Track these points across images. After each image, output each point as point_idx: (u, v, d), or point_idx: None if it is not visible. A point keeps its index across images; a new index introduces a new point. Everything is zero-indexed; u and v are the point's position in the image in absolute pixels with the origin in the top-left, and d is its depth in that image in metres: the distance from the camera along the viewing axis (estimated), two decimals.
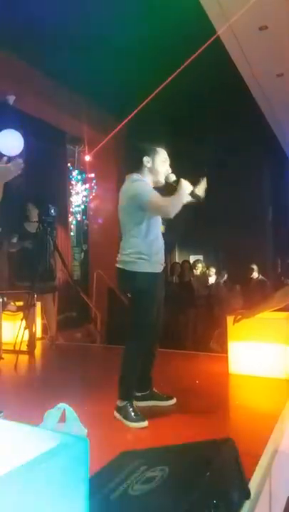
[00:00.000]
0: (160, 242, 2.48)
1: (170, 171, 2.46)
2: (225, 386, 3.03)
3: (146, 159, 2.43)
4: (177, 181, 2.39)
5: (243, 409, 2.57)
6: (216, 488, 1.32)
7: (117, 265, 2.44)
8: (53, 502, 0.87)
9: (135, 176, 2.43)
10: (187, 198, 2.36)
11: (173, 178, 2.43)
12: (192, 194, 2.38)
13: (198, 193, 2.39)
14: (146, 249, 2.38)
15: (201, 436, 1.85)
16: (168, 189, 2.41)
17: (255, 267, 7.18)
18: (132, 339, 2.40)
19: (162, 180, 2.46)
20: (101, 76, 5.26)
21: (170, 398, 2.57)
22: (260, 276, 7.19)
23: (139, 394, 2.53)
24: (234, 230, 8.51)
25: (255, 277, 7.13)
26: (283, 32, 4.91)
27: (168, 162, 2.48)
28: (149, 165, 2.44)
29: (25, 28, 4.47)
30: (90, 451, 0.95)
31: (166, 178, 2.44)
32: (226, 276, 7.14)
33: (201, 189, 2.42)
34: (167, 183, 2.43)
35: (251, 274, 7.08)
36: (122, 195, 2.44)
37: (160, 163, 2.44)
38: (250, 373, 3.03)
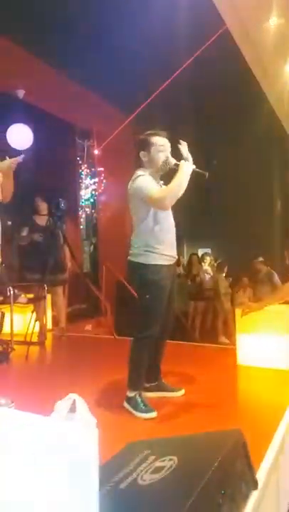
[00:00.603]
0: (170, 234, 2.49)
1: (169, 156, 2.44)
2: (233, 378, 3.05)
3: (142, 154, 2.47)
4: (178, 164, 2.39)
5: (251, 400, 2.59)
6: (224, 478, 1.33)
7: (128, 257, 2.48)
8: (64, 491, 0.89)
9: (138, 171, 2.45)
10: (189, 171, 2.34)
11: (173, 162, 2.42)
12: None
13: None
14: (154, 242, 2.40)
15: (210, 427, 1.87)
16: (172, 174, 2.40)
17: (261, 259, 7.15)
18: (140, 331, 2.43)
19: (163, 168, 2.45)
20: (110, 70, 5.24)
21: (179, 389, 2.60)
22: (268, 269, 7.16)
23: (148, 385, 2.56)
24: (242, 223, 8.48)
25: (262, 269, 7.10)
26: None
27: (166, 148, 2.45)
28: (146, 158, 2.46)
29: (36, 23, 4.46)
30: (99, 441, 0.97)
31: (167, 163, 2.43)
32: (225, 268, 7.11)
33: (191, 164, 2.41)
34: (171, 168, 2.42)
35: (258, 266, 7.06)
36: (128, 192, 2.47)
37: (156, 153, 2.43)
38: (258, 365, 3.04)
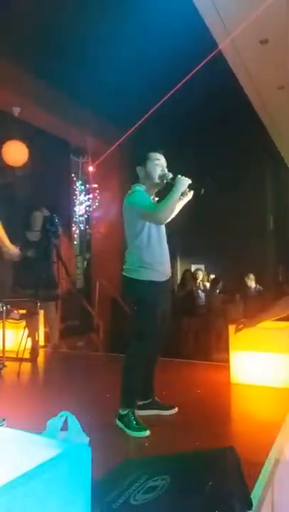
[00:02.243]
0: (164, 251, 2.49)
1: (165, 170, 2.47)
2: (226, 395, 3.02)
3: (138, 168, 2.50)
4: (174, 178, 2.41)
5: (245, 418, 2.57)
6: (217, 498, 1.32)
7: (123, 273, 2.49)
8: (55, 510, 0.87)
9: (134, 187, 2.48)
10: (183, 189, 2.36)
11: (169, 176, 2.44)
12: (192, 186, 2.42)
13: (198, 187, 2.44)
14: (148, 258, 2.40)
15: (203, 445, 1.86)
16: (169, 188, 2.43)
17: (252, 276, 7.21)
18: (133, 347, 2.41)
19: (159, 183, 2.47)
20: (105, 87, 5.33)
21: (172, 407, 2.57)
22: (258, 286, 7.22)
23: (141, 403, 2.53)
24: (235, 240, 8.55)
25: (252, 287, 7.15)
26: (284, 45, 4.98)
27: (161, 162, 2.48)
28: (142, 173, 2.49)
29: (30, 40, 4.54)
30: (91, 459, 0.96)
31: (164, 177, 2.45)
32: (220, 284, 7.14)
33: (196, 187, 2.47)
34: (168, 183, 2.44)
35: (248, 283, 7.12)
36: (123, 207, 2.49)
37: (152, 168, 2.46)
38: (251, 383, 3.03)
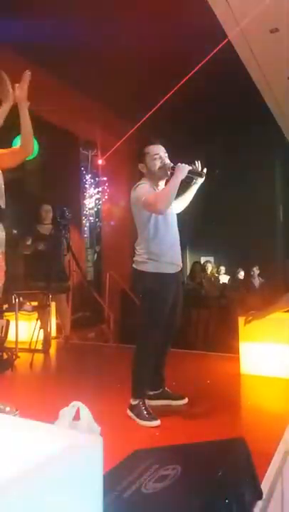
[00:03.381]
0: (173, 242, 2.50)
1: (165, 160, 2.46)
2: (236, 386, 3.04)
3: (140, 166, 2.52)
4: (174, 167, 2.42)
5: (255, 409, 2.58)
6: (228, 488, 1.33)
7: (132, 265, 2.51)
8: (67, 500, 0.89)
9: (140, 181, 2.50)
10: (183, 176, 2.38)
11: (170, 166, 2.44)
12: (192, 172, 2.43)
13: (197, 170, 2.47)
14: (155, 250, 2.41)
15: (213, 435, 1.87)
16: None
17: (257, 268, 7.22)
18: (142, 339, 2.43)
19: (161, 175, 2.47)
20: (114, 80, 5.31)
21: (182, 398, 2.60)
22: (260, 279, 7.24)
23: (151, 393, 2.56)
24: (245, 232, 8.49)
25: (255, 279, 7.17)
26: None
27: (161, 155, 2.47)
28: (144, 169, 2.51)
29: (41, 35, 4.53)
30: (103, 449, 0.97)
31: (165, 168, 2.45)
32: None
33: (198, 166, 2.52)
34: (171, 172, 2.44)
35: (251, 275, 7.15)
36: (130, 201, 2.51)
37: (152, 162, 2.47)
38: (261, 374, 3.04)
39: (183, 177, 2.39)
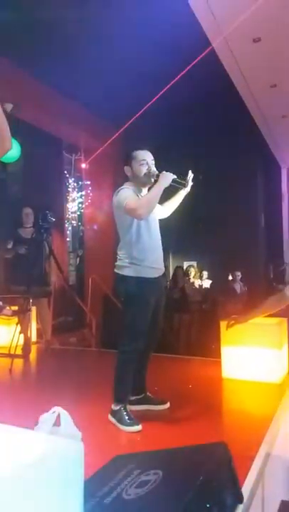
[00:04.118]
0: (154, 247, 2.50)
1: (151, 167, 2.46)
2: (218, 390, 3.05)
3: (126, 168, 2.52)
4: (159, 174, 2.43)
5: (236, 413, 2.60)
6: (209, 492, 1.33)
7: (114, 270, 2.50)
8: (48, 505, 0.88)
9: (123, 185, 2.50)
10: (166, 185, 2.39)
11: (155, 173, 2.45)
12: (175, 181, 2.45)
13: (181, 180, 2.48)
14: (137, 254, 2.41)
15: (195, 440, 1.87)
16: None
17: (239, 273, 7.32)
18: (124, 344, 2.42)
19: (146, 181, 2.47)
20: (98, 85, 5.31)
21: (164, 402, 2.59)
22: (241, 284, 7.33)
23: (133, 398, 2.55)
24: (227, 237, 8.59)
25: (237, 284, 7.26)
26: (276, 44, 4.99)
27: (148, 161, 2.47)
28: (129, 173, 2.51)
29: (24, 35, 4.50)
30: (84, 454, 0.96)
31: (150, 175, 2.45)
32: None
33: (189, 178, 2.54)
34: (155, 180, 2.44)
35: (232, 283, 7.24)
36: (112, 205, 2.51)
37: (138, 167, 2.46)
38: (243, 378, 3.06)
39: (166, 185, 2.40)
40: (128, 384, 2.42)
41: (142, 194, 2.50)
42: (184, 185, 2.55)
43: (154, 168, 2.47)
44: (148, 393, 2.63)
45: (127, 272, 2.42)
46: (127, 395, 2.42)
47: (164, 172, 2.43)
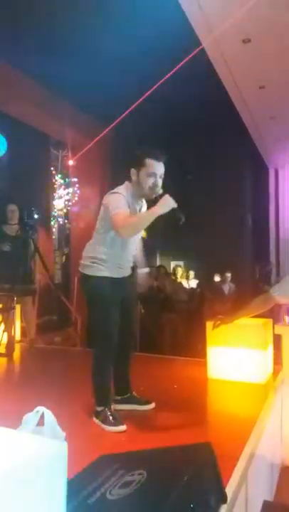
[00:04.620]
0: (125, 256, 2.44)
1: (158, 182, 2.30)
2: (203, 391, 3.05)
3: (132, 171, 2.34)
4: (161, 195, 2.26)
5: (221, 413, 2.60)
6: (193, 492, 1.33)
7: (79, 268, 2.47)
8: (31, 505, 0.86)
9: (120, 187, 2.37)
10: (163, 212, 2.19)
11: (159, 192, 2.29)
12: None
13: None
14: (101, 254, 2.37)
15: (180, 440, 1.86)
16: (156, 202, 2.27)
17: (229, 274, 7.36)
18: (95, 345, 2.39)
19: (148, 194, 2.33)
20: (86, 81, 5.28)
21: (149, 402, 2.58)
22: (230, 284, 7.38)
23: (118, 397, 2.53)
24: (215, 237, 8.63)
25: (226, 285, 7.30)
26: (266, 45, 5.03)
27: (157, 174, 2.29)
28: (134, 177, 2.34)
29: (13, 32, 4.45)
30: (68, 454, 0.95)
31: (154, 191, 2.29)
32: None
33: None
34: (156, 197, 2.29)
35: (220, 283, 7.28)
36: (102, 201, 2.41)
37: (144, 177, 2.29)
38: (228, 378, 3.06)
39: (162, 213, 2.19)
40: (106, 386, 2.38)
41: (136, 206, 2.40)
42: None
43: (160, 185, 2.30)
44: (133, 393, 2.61)
45: (89, 271, 2.38)
46: (108, 396, 2.38)
47: (166, 196, 2.22)
